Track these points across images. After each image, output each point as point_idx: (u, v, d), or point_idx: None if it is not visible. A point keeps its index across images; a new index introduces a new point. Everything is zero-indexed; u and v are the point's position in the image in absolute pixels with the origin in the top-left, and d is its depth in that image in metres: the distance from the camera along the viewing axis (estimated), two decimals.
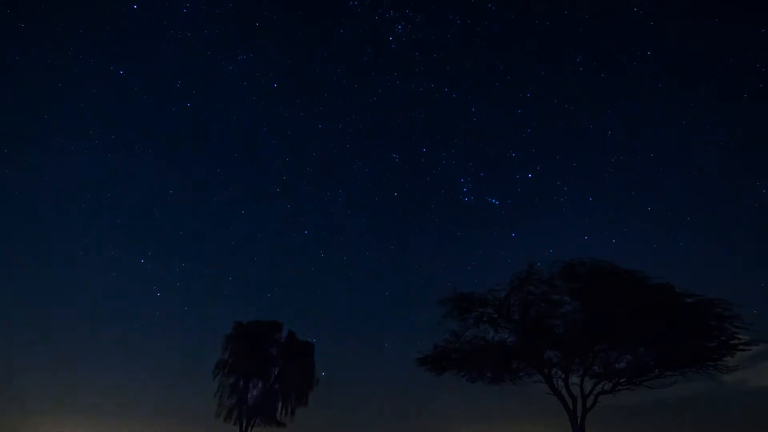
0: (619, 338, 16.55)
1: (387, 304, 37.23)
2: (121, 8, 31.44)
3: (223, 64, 34.73)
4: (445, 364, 19.42)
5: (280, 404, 24.71)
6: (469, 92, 35.81)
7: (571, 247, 33.18)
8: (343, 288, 39.36)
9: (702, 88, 31.35)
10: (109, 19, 31.89)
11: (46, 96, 32.79)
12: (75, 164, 34.42)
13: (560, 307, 17.64)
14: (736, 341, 15.85)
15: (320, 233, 38.76)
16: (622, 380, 17.63)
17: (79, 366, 32.51)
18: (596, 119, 33.75)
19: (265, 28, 34.29)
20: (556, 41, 32.90)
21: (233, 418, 23.69)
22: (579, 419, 17.23)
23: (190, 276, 36.06)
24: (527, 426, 28.71)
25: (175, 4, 31.92)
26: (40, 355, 31.77)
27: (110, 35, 32.31)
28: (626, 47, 32.29)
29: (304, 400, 24.96)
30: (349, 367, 34.35)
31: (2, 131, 32.29)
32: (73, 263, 34.81)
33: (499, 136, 36.14)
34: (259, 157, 38.73)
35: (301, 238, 38.46)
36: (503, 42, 34.26)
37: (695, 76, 31.67)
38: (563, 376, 18.02)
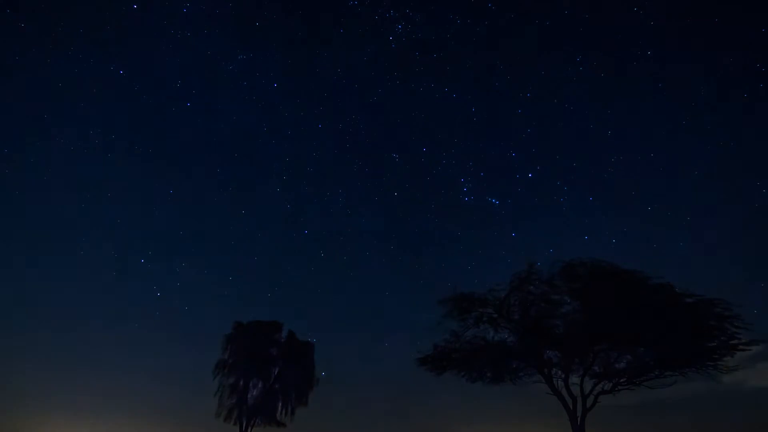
0: (619, 338, 16.55)
1: (387, 304, 37.26)
2: (121, 8, 31.50)
3: (223, 64, 34.81)
4: (445, 364, 19.41)
5: (280, 404, 24.70)
6: (469, 92, 35.90)
7: (571, 247, 33.25)
8: (343, 288, 39.43)
9: (702, 88, 31.44)
10: (109, 19, 31.94)
11: (46, 96, 32.87)
12: (75, 164, 34.50)
13: (560, 307, 17.65)
14: (736, 341, 15.85)
15: (320, 233, 38.78)
16: (622, 380, 17.63)
17: (79, 366, 32.55)
18: (596, 119, 33.89)
19: (265, 28, 34.36)
20: (556, 41, 32.96)
21: (233, 418, 23.68)
22: (579, 419, 17.22)
23: (190, 276, 36.06)
24: (527, 426, 28.71)
25: (175, 4, 31.96)
26: (39, 354, 31.81)
27: (110, 35, 32.36)
28: (626, 47, 32.36)
29: (304, 400, 24.95)
30: (349, 367, 34.43)
31: (2, 131, 32.35)
32: (74, 263, 34.87)
33: (499, 136, 36.26)
34: (259, 157, 38.79)
35: (301, 238, 38.53)
36: (503, 42, 34.33)
37: (695, 75, 31.73)
38: (563, 376, 18.02)
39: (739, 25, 29.12)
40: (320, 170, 38.04)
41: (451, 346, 18.93)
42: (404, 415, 32.46)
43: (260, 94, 35.73)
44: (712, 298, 15.89)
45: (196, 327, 35.36)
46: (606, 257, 17.11)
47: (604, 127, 33.39)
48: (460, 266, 36.32)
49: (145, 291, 34.98)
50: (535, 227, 35.82)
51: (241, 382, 24.21)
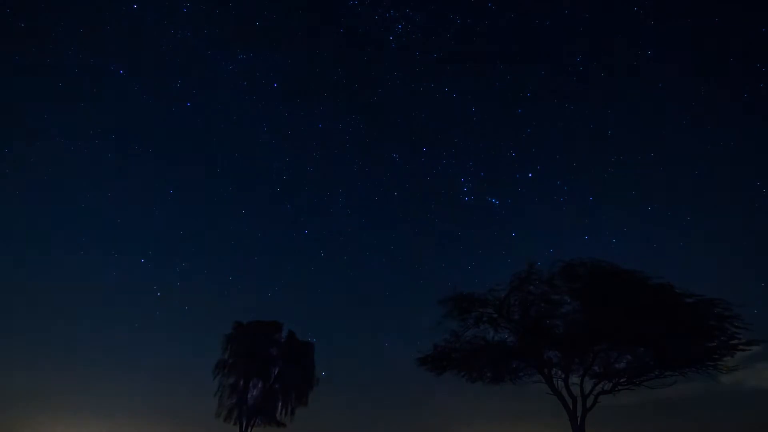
0: (619, 338, 16.54)
1: (387, 304, 37.26)
2: (121, 8, 31.51)
3: (223, 63, 34.82)
4: (445, 364, 19.41)
5: (280, 404, 24.69)
6: (469, 92, 35.87)
7: (571, 247, 33.27)
8: (343, 288, 39.42)
9: (702, 88, 31.42)
10: (109, 19, 31.96)
11: (46, 96, 32.87)
12: (75, 164, 34.50)
13: (560, 307, 17.65)
14: (736, 341, 15.85)
15: (320, 233, 38.85)
16: (622, 380, 17.63)
17: (79, 366, 32.60)
18: (596, 119, 33.85)
19: (265, 27, 34.31)
20: (556, 41, 32.96)
21: (233, 418, 23.69)
22: (579, 419, 17.22)
23: (190, 276, 36.11)
24: (527, 426, 28.70)
25: (175, 4, 31.95)
26: (39, 354, 31.84)
27: (110, 35, 32.36)
28: (626, 47, 32.38)
29: (304, 400, 24.94)
30: (349, 367, 34.43)
31: (2, 131, 32.35)
32: (74, 263, 34.90)
33: (499, 135, 36.22)
34: (259, 157, 38.78)
35: (301, 238, 38.56)
36: (503, 42, 34.33)
37: (695, 75, 31.74)
38: (563, 376, 18.02)
39: (739, 25, 29.16)
40: (320, 170, 38.10)
41: (451, 346, 18.93)
42: (404, 415, 32.50)
43: (260, 94, 35.79)
44: (712, 298, 15.88)
45: (196, 327, 35.42)
46: (606, 257, 17.16)
47: (604, 127, 33.42)
48: (460, 266, 36.41)
49: (145, 291, 35.02)
50: (535, 227, 35.89)
51: (241, 382, 24.20)
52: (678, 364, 16.80)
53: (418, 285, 37.00)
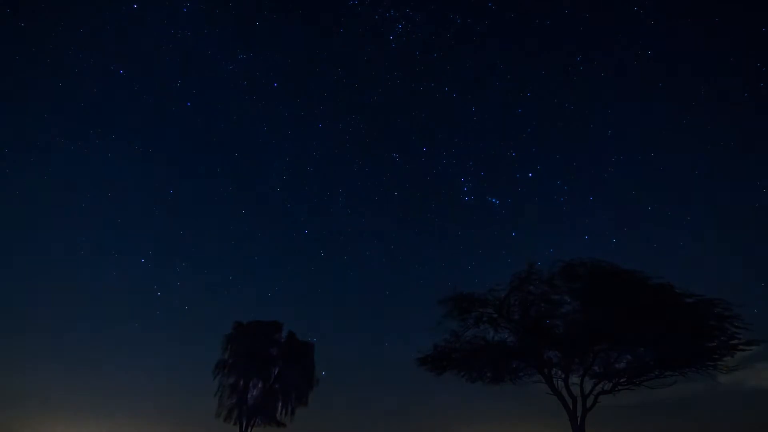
0: (619, 338, 16.54)
1: (387, 304, 37.28)
2: (121, 8, 31.51)
3: (223, 63, 34.85)
4: (445, 364, 19.41)
5: (280, 404, 24.68)
6: (469, 92, 35.96)
7: (571, 247, 33.32)
8: (343, 288, 39.44)
9: (702, 88, 31.44)
10: (109, 19, 31.98)
11: (46, 96, 32.88)
12: (75, 164, 34.51)
13: (560, 307, 17.65)
14: (736, 341, 15.85)
15: (320, 233, 38.87)
16: (622, 380, 17.63)
17: (79, 366, 32.62)
18: (596, 119, 33.87)
19: (265, 27, 34.42)
20: (556, 41, 32.97)
21: (233, 418, 23.67)
22: (579, 419, 17.22)
23: (190, 276, 36.11)
24: (527, 426, 28.71)
25: (175, 4, 31.99)
26: (39, 354, 31.84)
27: (110, 35, 32.39)
28: (626, 46, 32.41)
29: (304, 400, 24.93)
30: (349, 367, 34.44)
31: (2, 131, 32.37)
32: (74, 263, 34.94)
33: (500, 135, 36.27)
34: (259, 157, 38.79)
35: (301, 238, 38.60)
36: (503, 41, 34.36)
37: (695, 75, 31.75)
38: (563, 376, 18.02)
39: (740, 24, 29.16)
40: (320, 170, 38.16)
41: (451, 346, 18.93)
42: (404, 415, 32.51)
43: (260, 94, 35.80)
44: (712, 298, 15.88)
45: (196, 327, 35.43)
46: (606, 257, 17.17)
47: (605, 127, 33.44)
48: (460, 266, 36.41)
49: (145, 291, 35.05)
50: (535, 227, 35.91)
51: (241, 382, 24.19)
52: (678, 364, 16.81)
53: (418, 285, 37.07)
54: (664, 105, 32.67)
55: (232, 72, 35.05)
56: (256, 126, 37.47)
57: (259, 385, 24.69)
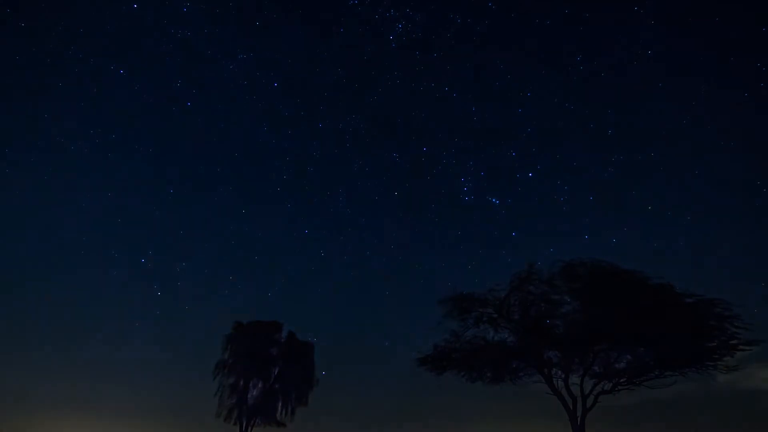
0: (619, 338, 16.55)
1: (387, 304, 37.26)
2: (121, 8, 31.48)
3: (224, 63, 34.79)
4: (445, 364, 19.42)
5: (280, 404, 24.67)
6: (469, 91, 35.91)
7: (571, 247, 33.28)
8: (344, 288, 39.44)
9: (703, 88, 31.42)
10: (109, 19, 31.95)
11: (46, 96, 32.86)
12: (75, 164, 34.51)
13: (560, 307, 17.66)
14: (736, 341, 15.85)
15: (320, 233, 38.84)
16: (622, 380, 17.64)
17: (79, 365, 32.64)
18: (596, 119, 33.82)
19: (265, 27, 34.35)
20: (556, 40, 32.97)
21: (233, 418, 23.68)
22: (579, 419, 17.22)
23: (190, 276, 36.12)
24: (527, 426, 28.70)
25: (175, 4, 31.90)
26: (39, 354, 31.87)
27: (110, 35, 32.35)
28: (627, 46, 32.37)
29: (304, 400, 24.93)
30: (349, 367, 34.45)
31: (2, 131, 32.36)
32: (74, 263, 34.95)
33: (500, 135, 36.23)
34: (259, 157, 38.79)
35: (301, 237, 38.59)
36: (503, 41, 34.31)
37: (696, 75, 31.74)
38: (563, 376, 18.02)
39: (740, 24, 29.15)
40: (320, 170, 38.09)
41: (451, 346, 18.94)
42: (404, 415, 32.49)
43: (260, 94, 35.77)
44: (712, 298, 15.89)
45: (196, 327, 35.46)
46: (606, 257, 17.16)
47: (605, 127, 33.40)
48: (460, 266, 36.39)
49: (145, 290, 35.05)
50: (535, 227, 35.92)
51: (241, 382, 24.19)
52: (678, 364, 16.82)
53: (418, 285, 37.06)
54: (664, 105, 32.71)
55: (232, 72, 35.08)
56: (256, 126, 37.48)
57: (259, 385, 24.69)
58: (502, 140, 35.70)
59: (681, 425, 24.62)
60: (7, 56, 30.97)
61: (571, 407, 17.45)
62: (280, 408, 24.61)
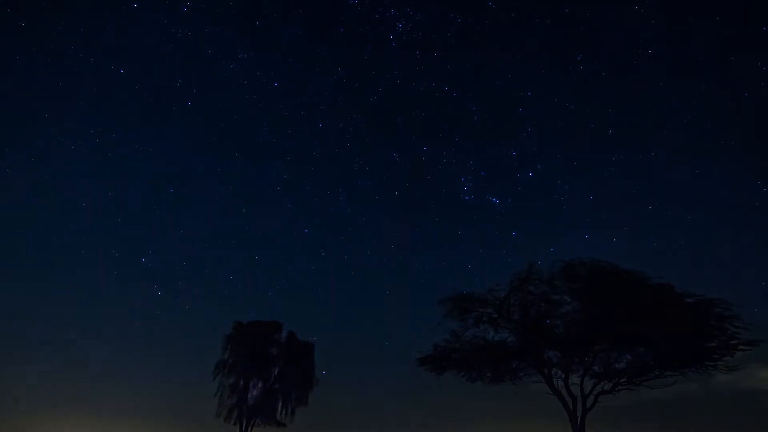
0: (619, 338, 16.55)
1: (387, 304, 37.26)
2: (121, 8, 31.46)
3: (224, 62, 34.77)
4: (445, 364, 19.41)
5: (280, 404, 24.68)
6: (469, 91, 35.90)
7: (571, 246, 33.24)
8: (343, 288, 39.46)
9: (703, 87, 31.44)
10: (109, 18, 31.95)
11: (46, 96, 32.86)
12: (75, 164, 34.52)
13: (560, 307, 17.66)
14: (736, 341, 15.85)
15: (320, 233, 38.88)
16: (622, 380, 17.64)
17: (80, 365, 32.65)
18: (597, 118, 33.81)
19: (265, 26, 34.39)
20: (556, 40, 32.97)
21: (233, 418, 23.69)
22: (579, 419, 17.22)
23: (190, 276, 36.14)
24: (527, 426, 28.72)
25: (176, 3, 31.87)
26: (40, 354, 31.85)
27: (110, 35, 32.36)
28: (627, 46, 32.42)
29: (304, 400, 24.94)
30: (349, 367, 34.45)
31: (2, 131, 32.36)
32: (74, 262, 34.94)
33: (500, 134, 36.26)
34: (259, 157, 38.80)
35: (302, 237, 38.61)
36: (504, 41, 34.32)
37: (696, 74, 31.73)
38: (563, 376, 18.02)
39: (740, 24, 29.15)
40: (320, 170, 38.09)
41: (451, 346, 18.93)
42: (404, 415, 32.50)
43: (260, 94, 35.75)
44: (712, 298, 15.89)
45: (196, 327, 35.48)
46: (606, 257, 17.17)
47: (605, 126, 33.39)
48: (460, 266, 36.40)
49: (145, 290, 35.07)
50: (536, 226, 35.96)
51: (241, 382, 24.20)
52: (678, 364, 16.81)
53: (418, 285, 37.08)
54: (664, 105, 32.71)
55: (232, 72, 35.07)
56: (256, 126, 37.47)
57: (259, 385, 24.70)
58: (502, 140, 35.76)
59: (681, 425, 24.63)
60: (7, 56, 31.03)
61: (571, 407, 17.44)
62: (280, 408, 24.62)
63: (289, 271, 39.62)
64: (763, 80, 28.34)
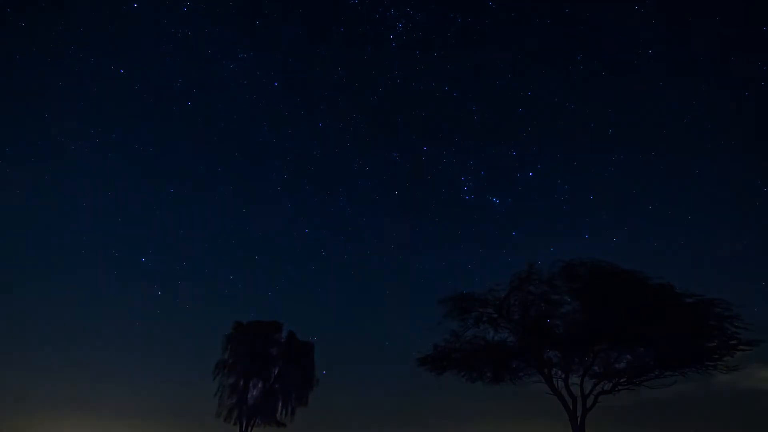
0: (619, 338, 16.54)
1: (387, 304, 37.27)
2: (121, 7, 31.46)
3: (224, 62, 34.76)
4: (445, 364, 19.41)
5: (280, 404, 24.70)
6: (469, 91, 35.88)
7: (571, 246, 33.21)
8: (343, 288, 39.47)
9: (703, 87, 31.42)
10: (109, 19, 31.93)
11: (46, 96, 32.86)
12: (75, 164, 34.51)
13: (560, 307, 17.66)
14: (736, 341, 15.84)
15: (320, 233, 38.90)
16: (622, 380, 17.63)
17: (80, 365, 32.66)
18: (597, 118, 33.80)
19: (265, 26, 34.39)
20: (556, 39, 32.97)
21: (233, 418, 23.70)
22: (579, 419, 17.22)
23: (190, 276, 36.16)
24: (527, 426, 28.71)
25: (176, 3, 31.86)
26: (40, 354, 31.89)
27: (110, 35, 32.35)
28: (627, 45, 32.42)
29: (304, 400, 24.95)
30: (349, 367, 34.46)
31: (2, 131, 32.37)
32: (74, 262, 34.98)
33: (500, 134, 36.26)
34: (259, 157, 38.79)
35: (302, 237, 38.63)
36: (504, 40, 34.32)
37: (696, 74, 31.71)
38: (563, 376, 18.01)
39: (740, 24, 29.14)
40: (320, 170, 38.08)
41: (451, 346, 18.93)
42: (404, 415, 32.50)
43: (260, 94, 35.75)
44: (712, 298, 15.88)
45: (196, 326, 35.50)
46: (606, 257, 17.15)
47: (605, 126, 33.37)
48: (460, 266, 36.40)
49: (145, 290, 35.08)
50: (536, 226, 35.97)
51: (241, 382, 24.21)
52: (678, 364, 16.80)
53: (418, 285, 37.09)
54: (664, 105, 32.70)
55: (232, 71, 35.06)
56: (256, 126, 37.46)
57: (259, 385, 24.71)
58: (502, 140, 35.75)
59: (681, 425, 24.63)
60: (7, 56, 31.03)
61: (571, 407, 17.44)
62: (280, 408, 24.64)
63: (289, 271, 39.71)
64: (763, 80, 28.35)
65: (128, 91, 33.75)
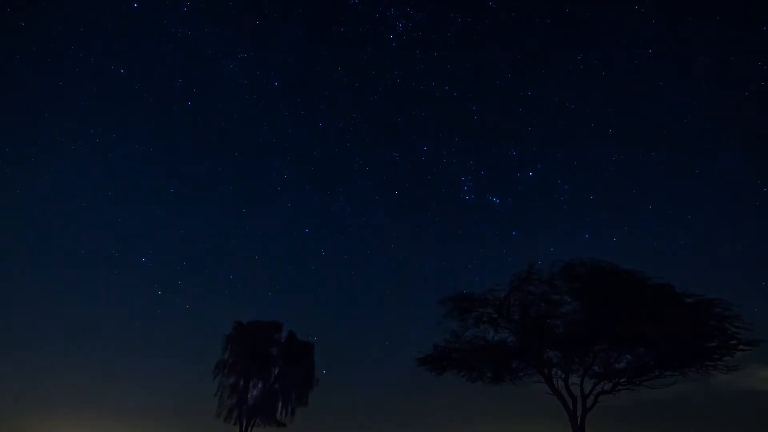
0: (619, 338, 16.55)
1: (387, 304, 37.26)
2: (121, 7, 31.47)
3: (224, 62, 34.72)
4: (445, 364, 19.42)
5: (280, 404, 24.69)
6: (469, 90, 35.80)
7: (571, 246, 33.19)
8: (343, 287, 39.42)
9: (703, 87, 31.43)
10: (109, 18, 31.94)
11: (46, 96, 32.85)
12: (75, 164, 34.50)
13: (560, 307, 17.65)
14: (736, 341, 15.85)
15: (320, 233, 38.86)
16: (622, 380, 17.64)
17: (80, 365, 32.62)
18: (597, 118, 33.79)
19: (265, 26, 34.37)
20: (556, 39, 32.97)
21: (233, 418, 23.69)
22: (579, 419, 17.22)
23: (190, 276, 36.12)
24: (527, 426, 28.72)
25: (176, 3, 31.88)
26: (40, 354, 31.85)
27: (110, 35, 32.35)
28: (627, 45, 32.42)
29: (304, 400, 24.94)
30: (349, 367, 34.46)
31: (2, 131, 32.35)
32: (74, 262, 34.91)
33: (500, 134, 36.19)
34: (259, 157, 38.77)
35: (302, 237, 38.58)
36: (504, 40, 34.32)
37: (697, 74, 31.71)
38: (563, 376, 18.02)
39: (740, 24, 29.15)
40: (320, 169, 38.05)
41: (451, 346, 18.93)
42: (404, 415, 32.50)
43: (261, 93, 35.72)
44: (712, 298, 15.89)
45: (196, 326, 35.48)
46: (606, 257, 17.16)
47: (605, 126, 33.36)
48: (460, 266, 36.39)
49: (145, 290, 35.06)
50: (535, 227, 35.92)
51: (241, 382, 24.21)
52: (678, 364, 16.82)
53: (418, 285, 37.09)
54: (665, 103, 32.69)
55: (232, 71, 35.03)
56: (256, 126, 37.42)
57: (259, 385, 24.71)
58: (502, 140, 35.69)
59: (681, 425, 24.64)
60: (7, 56, 31.02)
61: (571, 407, 17.44)
62: (280, 408, 24.63)
63: (289, 271, 39.64)
64: (763, 80, 28.38)
65: (128, 91, 33.76)
